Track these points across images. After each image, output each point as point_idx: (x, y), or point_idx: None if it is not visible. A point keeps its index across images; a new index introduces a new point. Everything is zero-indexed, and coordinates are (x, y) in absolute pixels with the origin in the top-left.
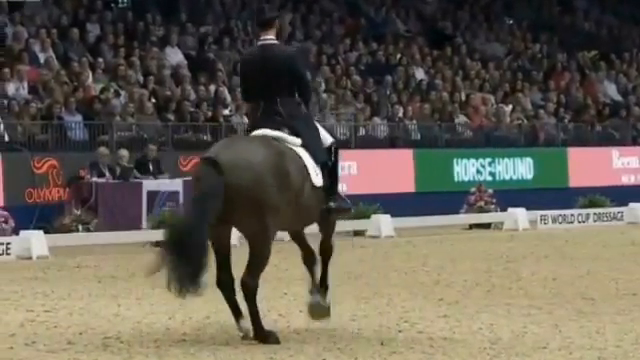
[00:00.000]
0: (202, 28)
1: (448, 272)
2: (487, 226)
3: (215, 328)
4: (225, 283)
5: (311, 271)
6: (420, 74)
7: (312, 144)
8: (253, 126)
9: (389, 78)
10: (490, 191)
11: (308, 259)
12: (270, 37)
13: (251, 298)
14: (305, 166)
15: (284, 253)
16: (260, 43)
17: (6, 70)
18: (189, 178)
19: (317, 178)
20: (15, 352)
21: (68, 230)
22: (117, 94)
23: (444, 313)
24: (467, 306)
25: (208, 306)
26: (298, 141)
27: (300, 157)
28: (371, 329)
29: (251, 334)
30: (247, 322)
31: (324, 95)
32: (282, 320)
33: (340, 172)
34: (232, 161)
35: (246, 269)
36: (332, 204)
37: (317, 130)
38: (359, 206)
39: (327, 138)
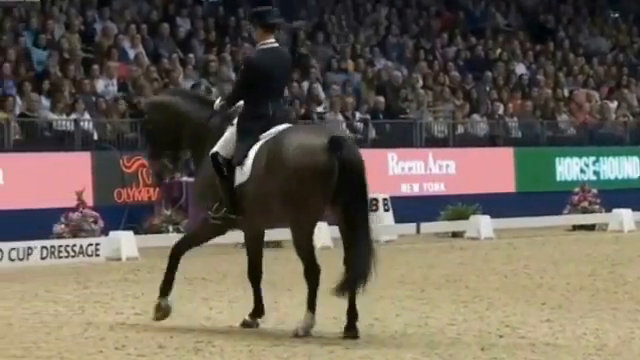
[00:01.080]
0: (295, 23)
1: (550, 275)
2: (591, 227)
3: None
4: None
5: None
6: (521, 69)
7: None
8: (267, 125)
9: (489, 74)
10: (594, 191)
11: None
12: (273, 40)
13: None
14: None
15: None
16: (270, 46)
17: (95, 67)
18: None
19: None
20: (105, 356)
21: (158, 231)
22: (208, 91)
23: (547, 318)
24: (571, 311)
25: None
26: None
27: None
28: (471, 334)
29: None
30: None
31: (421, 91)
32: (378, 324)
33: None
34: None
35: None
36: None
37: None
38: (458, 206)
39: None
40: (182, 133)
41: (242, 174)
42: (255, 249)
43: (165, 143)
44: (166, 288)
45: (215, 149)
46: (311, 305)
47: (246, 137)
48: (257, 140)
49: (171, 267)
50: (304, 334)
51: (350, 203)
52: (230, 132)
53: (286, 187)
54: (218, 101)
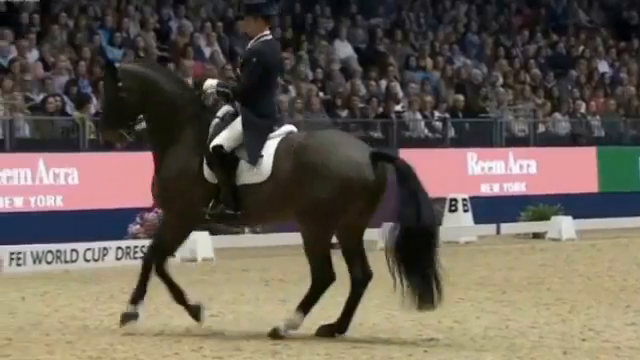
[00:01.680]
0: (373, 20)
1: (635, 277)
2: None
3: (389, 334)
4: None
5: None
6: (604, 67)
7: None
8: (274, 122)
9: (571, 72)
10: None
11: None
12: (269, 32)
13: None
14: None
15: (459, 256)
16: (268, 38)
17: (170, 65)
18: None
19: None
20: (181, 358)
21: (234, 231)
22: (285, 89)
23: (632, 321)
24: None
25: (381, 312)
26: None
27: None
28: (553, 337)
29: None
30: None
31: (501, 90)
32: (458, 327)
33: None
34: None
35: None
36: None
37: None
38: (539, 207)
39: None
40: (150, 109)
41: (256, 173)
42: None
43: (131, 114)
44: (136, 297)
45: (218, 142)
46: (304, 306)
47: (256, 135)
48: (266, 139)
49: (144, 279)
50: (284, 333)
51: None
52: (234, 127)
53: (322, 195)
54: (210, 88)
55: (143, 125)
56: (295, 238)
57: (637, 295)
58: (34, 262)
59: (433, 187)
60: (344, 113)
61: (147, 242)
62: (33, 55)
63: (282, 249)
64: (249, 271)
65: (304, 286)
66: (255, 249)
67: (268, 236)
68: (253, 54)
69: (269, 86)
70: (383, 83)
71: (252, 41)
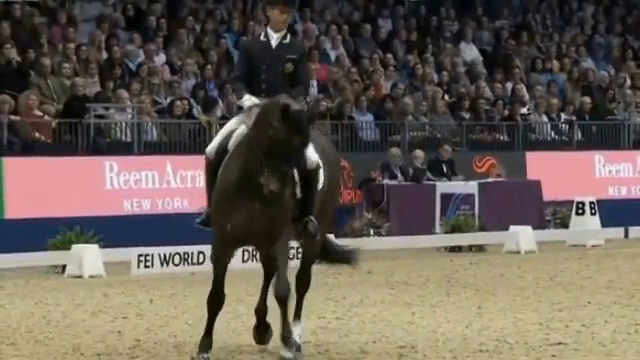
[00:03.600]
0: (498, 22)
1: None
2: None
3: (515, 338)
4: None
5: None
6: None
7: None
8: None
9: None
10: None
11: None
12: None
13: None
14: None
15: (587, 260)
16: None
17: None
18: (485, 180)
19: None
20: None
21: (359, 234)
22: (411, 92)
23: None
24: None
25: (507, 316)
26: None
27: None
28: None
29: None
30: None
31: (629, 92)
32: (585, 331)
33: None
34: None
35: None
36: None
37: None
38: None
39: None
40: None
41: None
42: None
43: None
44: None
45: None
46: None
47: None
48: None
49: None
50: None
51: None
52: None
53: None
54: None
55: None
56: (418, 241)
57: None
58: (161, 264)
59: (560, 190)
60: (468, 115)
61: None
62: (160, 59)
63: (406, 252)
64: (374, 274)
65: (428, 289)
66: (379, 252)
67: (393, 239)
68: (305, 48)
69: None
70: (509, 85)
71: (289, 35)
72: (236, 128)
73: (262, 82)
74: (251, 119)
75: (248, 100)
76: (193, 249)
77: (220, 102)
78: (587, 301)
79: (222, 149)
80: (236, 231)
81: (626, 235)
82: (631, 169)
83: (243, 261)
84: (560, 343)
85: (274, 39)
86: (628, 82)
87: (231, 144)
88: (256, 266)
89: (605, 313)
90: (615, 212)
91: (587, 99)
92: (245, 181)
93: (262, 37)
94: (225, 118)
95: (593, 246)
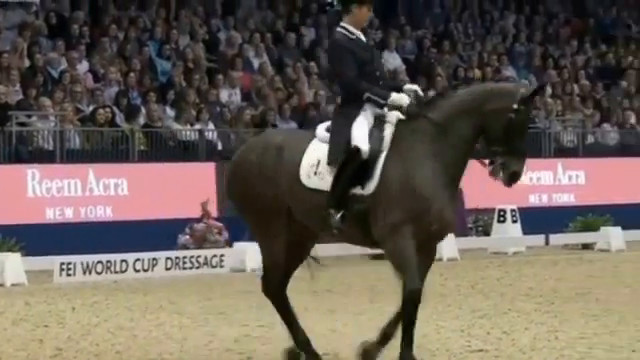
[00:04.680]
0: (420, 31)
1: None
2: None
3: (436, 345)
4: None
5: None
6: None
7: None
8: None
9: (620, 82)
10: None
11: None
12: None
13: None
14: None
15: (507, 267)
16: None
17: (219, 77)
18: None
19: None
20: None
21: None
22: (333, 100)
23: None
24: None
25: (430, 324)
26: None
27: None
28: (601, 349)
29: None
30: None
31: (550, 100)
32: (506, 338)
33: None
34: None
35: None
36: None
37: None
38: (588, 217)
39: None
40: None
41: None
42: None
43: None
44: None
45: None
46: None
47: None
48: None
49: None
50: None
51: None
52: None
53: None
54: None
55: None
56: (341, 249)
57: None
58: (84, 272)
59: (482, 198)
60: None
61: (196, 253)
62: (83, 66)
63: (329, 260)
64: (297, 281)
65: (352, 296)
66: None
67: (316, 247)
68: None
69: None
70: (431, 93)
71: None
72: (380, 125)
73: (377, 79)
74: (434, 110)
75: (400, 99)
76: (116, 257)
77: (143, 110)
78: (508, 308)
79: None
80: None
81: (547, 242)
82: (552, 177)
83: (166, 269)
84: (481, 350)
85: (362, 36)
86: (549, 91)
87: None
88: (181, 274)
89: (525, 320)
90: (536, 220)
91: None
92: (444, 172)
93: (350, 35)
94: (148, 126)
95: (514, 253)
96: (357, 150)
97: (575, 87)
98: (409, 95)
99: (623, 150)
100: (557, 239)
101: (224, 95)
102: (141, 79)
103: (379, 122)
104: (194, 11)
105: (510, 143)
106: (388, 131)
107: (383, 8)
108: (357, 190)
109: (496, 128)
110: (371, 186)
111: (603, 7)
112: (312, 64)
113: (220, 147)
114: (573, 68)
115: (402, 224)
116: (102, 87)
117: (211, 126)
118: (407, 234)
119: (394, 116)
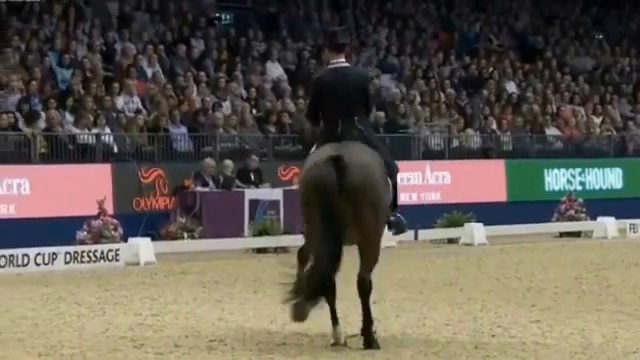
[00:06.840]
0: (301, 43)
1: (539, 279)
2: (577, 234)
3: (315, 332)
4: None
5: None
6: (512, 87)
7: (387, 158)
8: (330, 141)
9: (482, 91)
10: (580, 200)
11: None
12: (342, 60)
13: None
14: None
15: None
16: (334, 66)
17: (115, 85)
18: (289, 187)
19: None
20: (124, 354)
21: (174, 237)
22: (219, 107)
23: (536, 318)
24: (558, 312)
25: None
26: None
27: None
28: (465, 334)
29: (342, 341)
30: (341, 329)
31: (419, 107)
32: (379, 325)
33: (398, 191)
34: (351, 161)
35: (364, 267)
36: (392, 218)
37: (387, 147)
38: (453, 215)
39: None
40: None
41: None
42: None
43: None
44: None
45: None
46: None
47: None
48: None
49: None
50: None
51: None
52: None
53: None
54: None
55: None
56: (229, 244)
57: (541, 295)
58: None
59: None
60: (274, 129)
61: (94, 247)
62: None
63: (217, 254)
64: (187, 274)
65: (238, 287)
66: (193, 254)
67: (205, 241)
68: (312, 81)
69: (325, 109)
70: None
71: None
72: None
73: None
74: None
75: None
76: (18, 252)
77: (43, 115)
78: (380, 298)
79: None
80: None
81: (416, 237)
82: (420, 177)
83: (66, 263)
84: (355, 335)
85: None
86: (418, 99)
87: None
88: (80, 267)
89: (397, 309)
90: (406, 217)
91: (381, 114)
92: None
93: None
94: (49, 130)
95: (387, 247)
96: None
97: (442, 95)
98: None
99: (485, 153)
100: (425, 234)
101: (120, 102)
102: (42, 87)
103: None
104: (92, 24)
105: None
106: None
107: (266, 22)
108: None
109: None
110: None
111: (467, 22)
112: (201, 73)
113: (116, 150)
114: (440, 78)
115: None
116: (5, 94)
117: (107, 130)
118: None
119: None
